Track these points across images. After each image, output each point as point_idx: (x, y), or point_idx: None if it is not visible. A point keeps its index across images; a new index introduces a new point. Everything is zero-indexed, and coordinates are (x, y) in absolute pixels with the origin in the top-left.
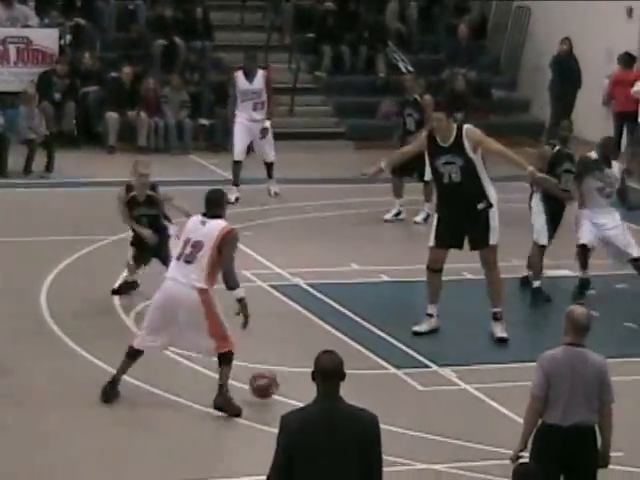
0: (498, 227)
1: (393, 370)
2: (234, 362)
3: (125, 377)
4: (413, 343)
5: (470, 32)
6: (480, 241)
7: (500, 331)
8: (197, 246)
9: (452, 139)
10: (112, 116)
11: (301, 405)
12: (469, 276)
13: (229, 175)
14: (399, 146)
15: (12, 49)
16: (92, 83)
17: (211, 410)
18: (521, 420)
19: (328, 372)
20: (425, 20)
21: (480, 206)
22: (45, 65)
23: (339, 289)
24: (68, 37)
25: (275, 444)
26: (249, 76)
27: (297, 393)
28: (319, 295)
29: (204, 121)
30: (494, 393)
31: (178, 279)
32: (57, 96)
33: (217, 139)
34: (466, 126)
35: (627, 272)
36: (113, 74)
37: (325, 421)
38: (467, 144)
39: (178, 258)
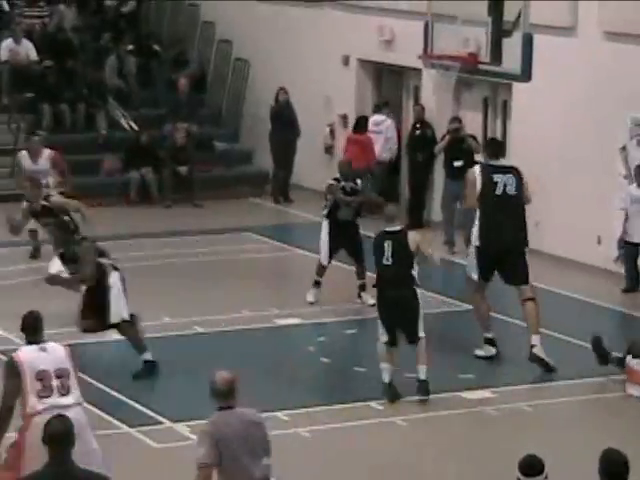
0: None
1: (126, 429)
2: None
3: None
4: (145, 400)
5: (190, 85)
6: None
7: None
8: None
9: None
10: None
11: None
12: (200, 329)
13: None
14: None
15: None
16: None
17: None
18: None
19: (57, 437)
20: (144, 75)
21: None
22: None
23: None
24: None
25: None
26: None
27: None
28: None
29: None
30: None
31: None
32: None
33: None
34: None
35: (355, 317)
36: None
37: None
38: None
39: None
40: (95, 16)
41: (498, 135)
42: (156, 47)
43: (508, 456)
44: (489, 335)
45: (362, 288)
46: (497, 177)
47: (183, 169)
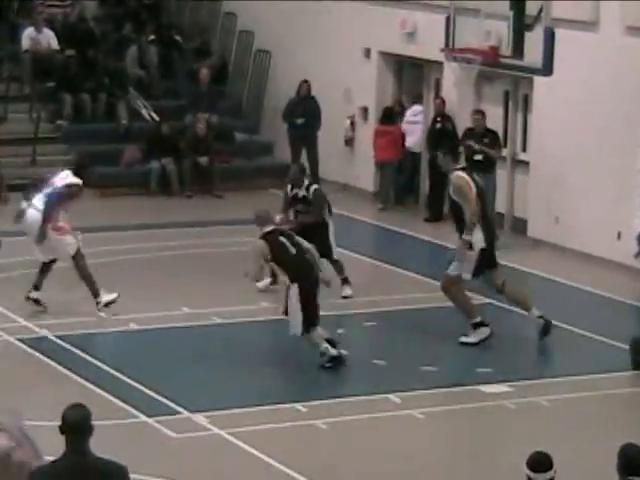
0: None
1: (144, 418)
2: None
3: None
4: (164, 390)
5: (211, 76)
6: None
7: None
8: None
9: None
10: None
11: (50, 460)
12: (217, 320)
13: None
14: None
15: None
16: None
17: None
18: (274, 462)
19: (75, 426)
20: (165, 65)
21: None
22: None
23: (87, 338)
24: None
25: None
26: None
27: (46, 447)
28: (68, 346)
29: None
30: (246, 436)
31: None
32: None
33: None
34: None
35: (375, 310)
36: None
37: (73, 475)
38: None
39: None
40: (117, 6)
41: (518, 129)
42: (177, 38)
43: (525, 450)
44: (477, 320)
45: (344, 282)
46: (477, 179)
47: (203, 160)
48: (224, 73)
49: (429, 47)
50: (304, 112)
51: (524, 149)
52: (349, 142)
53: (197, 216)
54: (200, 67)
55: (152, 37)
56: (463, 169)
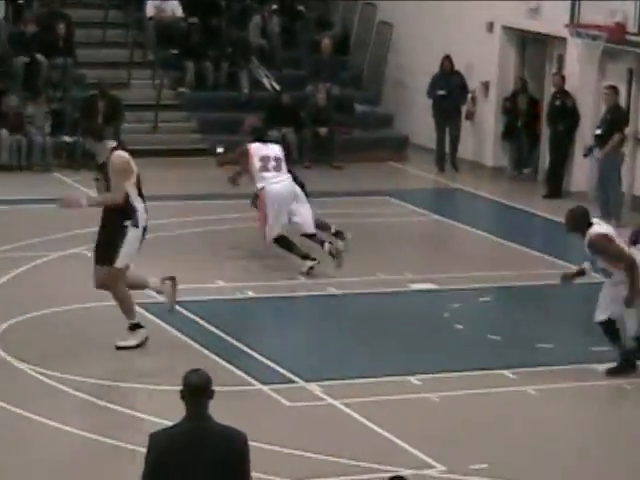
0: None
1: (260, 386)
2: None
3: None
4: (279, 359)
5: (333, 47)
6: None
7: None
8: None
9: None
10: None
11: (170, 424)
12: (334, 291)
13: (91, 192)
14: None
15: None
16: None
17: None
18: (387, 433)
19: (196, 390)
20: (287, 35)
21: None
22: None
23: (205, 306)
24: None
25: (144, 462)
26: None
27: (166, 411)
28: (185, 312)
29: (67, 138)
30: (360, 407)
31: None
32: None
33: (79, 156)
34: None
35: (490, 285)
36: None
37: (193, 439)
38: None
39: None
40: None
41: None
42: (300, 8)
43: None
44: (135, 321)
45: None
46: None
47: (323, 130)
48: (346, 44)
49: (553, 22)
50: (448, 87)
51: None
52: (470, 116)
53: (316, 186)
54: (322, 37)
55: (275, 7)
56: (124, 148)
